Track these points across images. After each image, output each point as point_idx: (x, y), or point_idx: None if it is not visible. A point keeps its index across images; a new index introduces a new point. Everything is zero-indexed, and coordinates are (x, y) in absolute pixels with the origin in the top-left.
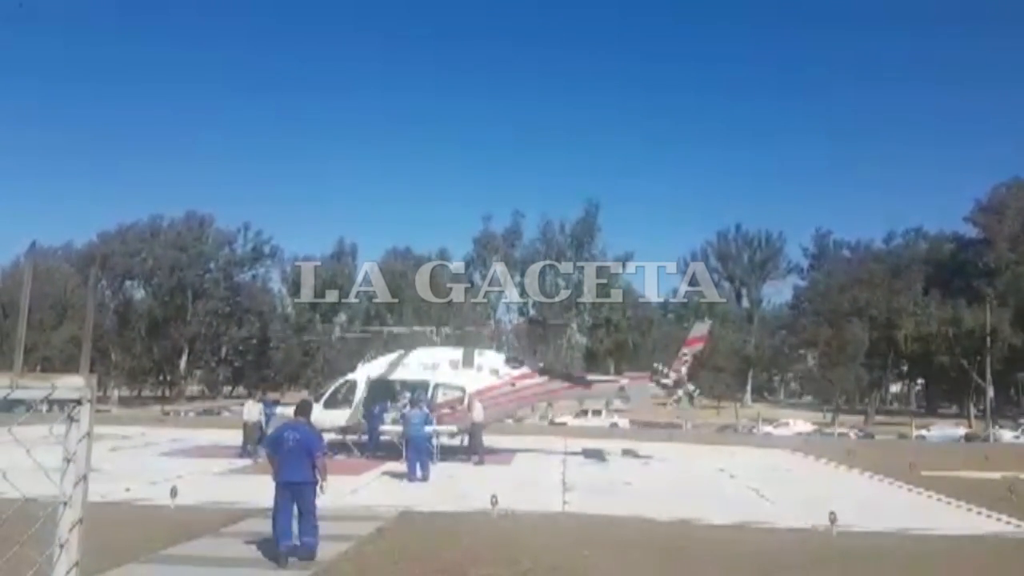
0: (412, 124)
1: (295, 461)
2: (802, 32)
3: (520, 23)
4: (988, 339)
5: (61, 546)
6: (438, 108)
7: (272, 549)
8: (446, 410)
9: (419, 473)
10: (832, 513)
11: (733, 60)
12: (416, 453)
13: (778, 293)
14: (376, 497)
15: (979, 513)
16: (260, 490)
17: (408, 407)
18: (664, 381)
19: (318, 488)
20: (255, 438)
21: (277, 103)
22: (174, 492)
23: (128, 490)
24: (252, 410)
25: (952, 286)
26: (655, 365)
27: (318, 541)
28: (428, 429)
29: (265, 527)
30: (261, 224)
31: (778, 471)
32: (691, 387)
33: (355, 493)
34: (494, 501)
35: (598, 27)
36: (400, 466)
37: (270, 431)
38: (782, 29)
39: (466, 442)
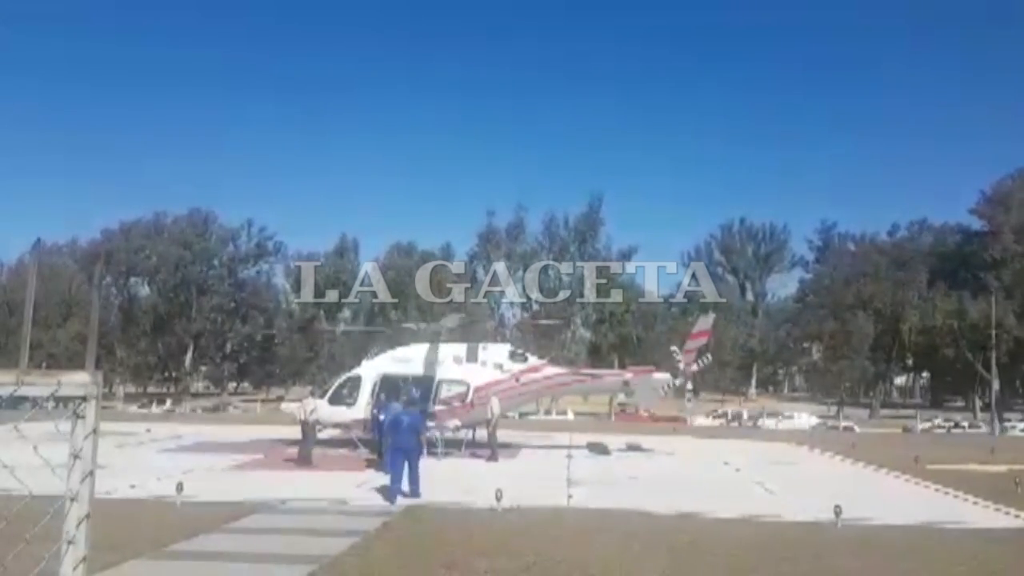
0: (415, 120)
1: (408, 436)
2: (806, 25)
3: (523, 19)
4: (993, 331)
5: (68, 542)
6: (441, 104)
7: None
8: (452, 404)
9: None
10: (837, 506)
11: (738, 54)
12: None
13: (783, 286)
14: (382, 492)
15: (984, 506)
16: (265, 486)
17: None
18: (666, 376)
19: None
20: (313, 439)
21: (280, 100)
22: (180, 488)
23: (134, 486)
24: (309, 406)
25: (957, 278)
26: (672, 349)
27: (419, 488)
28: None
29: (270, 522)
30: (264, 220)
31: (783, 464)
32: (689, 386)
33: (361, 488)
34: (499, 495)
35: (601, 23)
36: None
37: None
38: (786, 22)
39: (470, 437)
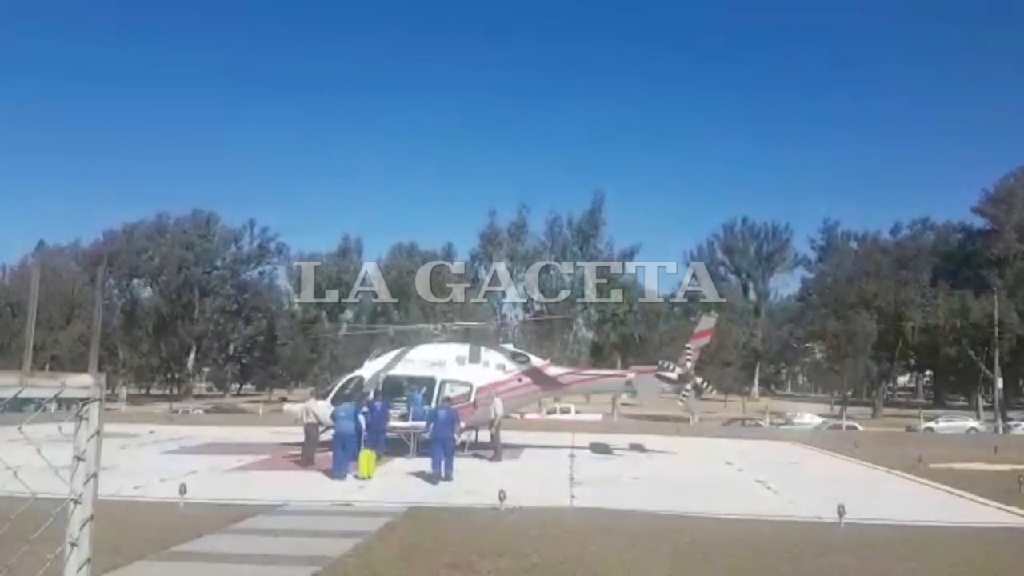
0: (415, 120)
1: (445, 427)
2: (806, 25)
3: (523, 19)
4: (996, 330)
5: (72, 544)
6: (441, 104)
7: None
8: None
9: (344, 467)
10: (840, 505)
11: (738, 54)
12: (341, 447)
13: (785, 286)
14: (385, 493)
15: (988, 505)
16: (268, 487)
17: (344, 404)
18: (668, 375)
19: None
20: (316, 440)
21: (282, 100)
22: (183, 489)
23: (138, 488)
24: (312, 408)
25: (960, 277)
26: (660, 362)
27: (452, 472)
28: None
29: (273, 523)
30: (267, 221)
31: (785, 464)
32: (699, 379)
33: (363, 489)
34: (502, 496)
35: (601, 23)
36: (408, 463)
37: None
38: (787, 22)
39: (472, 438)
